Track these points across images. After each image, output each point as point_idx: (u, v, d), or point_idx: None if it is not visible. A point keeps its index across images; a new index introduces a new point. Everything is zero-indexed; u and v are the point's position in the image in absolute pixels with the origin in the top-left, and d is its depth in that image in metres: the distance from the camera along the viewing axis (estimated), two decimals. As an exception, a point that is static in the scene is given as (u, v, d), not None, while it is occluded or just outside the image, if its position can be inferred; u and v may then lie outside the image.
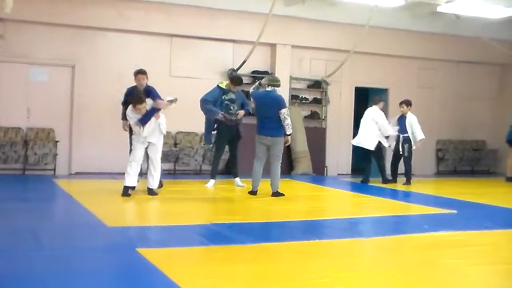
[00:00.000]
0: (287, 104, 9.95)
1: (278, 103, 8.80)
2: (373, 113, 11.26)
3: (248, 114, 9.91)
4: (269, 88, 8.89)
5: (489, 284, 4.64)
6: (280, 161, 8.92)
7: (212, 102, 9.67)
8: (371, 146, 11.20)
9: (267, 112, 8.76)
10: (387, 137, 11.33)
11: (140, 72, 8.85)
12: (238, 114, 9.73)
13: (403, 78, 14.31)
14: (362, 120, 11.41)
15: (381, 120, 11.20)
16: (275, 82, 9.01)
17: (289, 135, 8.93)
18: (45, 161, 11.15)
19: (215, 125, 9.76)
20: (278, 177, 8.85)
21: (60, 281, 4.11)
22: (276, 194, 8.78)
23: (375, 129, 11.17)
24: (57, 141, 11.35)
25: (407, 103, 11.53)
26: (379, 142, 11.24)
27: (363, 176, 11.47)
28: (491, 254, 5.58)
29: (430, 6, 12.27)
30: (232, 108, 9.76)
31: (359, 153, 11.95)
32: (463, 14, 12.50)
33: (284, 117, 8.73)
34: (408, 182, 11.41)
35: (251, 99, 9.32)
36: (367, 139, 11.20)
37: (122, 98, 9.03)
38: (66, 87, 11.58)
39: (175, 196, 8.78)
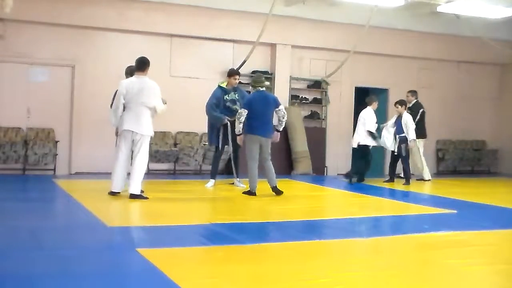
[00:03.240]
0: (285, 104, 9.96)
1: (276, 101, 8.98)
2: (364, 113, 11.35)
3: None
4: (261, 88, 8.96)
5: (489, 284, 4.64)
6: None
7: (216, 104, 9.69)
8: (355, 144, 11.34)
9: (265, 112, 8.82)
10: (374, 137, 11.36)
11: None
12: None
13: (403, 78, 14.29)
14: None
15: (368, 119, 11.24)
16: (264, 82, 9.15)
17: (279, 131, 9.07)
18: (45, 161, 11.15)
19: (220, 128, 9.77)
20: (274, 172, 8.93)
21: (60, 281, 4.11)
22: (277, 189, 8.82)
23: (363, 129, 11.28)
24: (57, 141, 11.36)
25: (402, 103, 11.58)
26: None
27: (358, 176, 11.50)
28: (491, 254, 5.57)
29: (430, 6, 12.28)
30: (234, 109, 9.74)
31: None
32: (463, 14, 12.51)
33: (284, 112, 8.90)
34: (407, 182, 11.41)
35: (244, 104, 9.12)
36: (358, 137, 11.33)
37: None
38: (66, 87, 11.59)
39: (175, 196, 8.78)
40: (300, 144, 12.93)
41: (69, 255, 4.88)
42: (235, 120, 9.63)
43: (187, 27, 12.14)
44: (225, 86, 9.86)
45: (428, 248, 5.73)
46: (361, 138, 11.21)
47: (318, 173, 13.24)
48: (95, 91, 11.43)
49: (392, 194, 10.27)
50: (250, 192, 8.86)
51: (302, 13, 12.73)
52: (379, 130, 11.45)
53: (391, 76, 14.22)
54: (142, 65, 8.11)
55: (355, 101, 14.03)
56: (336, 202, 9.76)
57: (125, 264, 4.76)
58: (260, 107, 8.81)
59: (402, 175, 11.84)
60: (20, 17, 10.70)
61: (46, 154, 11.11)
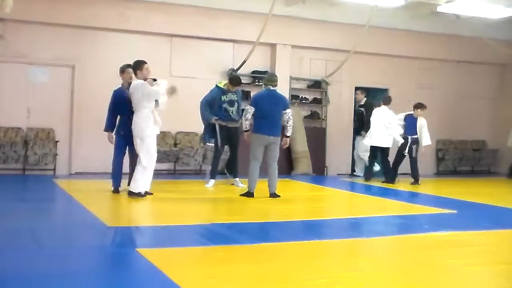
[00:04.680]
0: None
1: (285, 102, 8.82)
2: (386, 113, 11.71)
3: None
4: (272, 88, 8.76)
5: (489, 284, 4.64)
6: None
7: (211, 103, 9.69)
8: (389, 144, 11.63)
9: (273, 111, 8.62)
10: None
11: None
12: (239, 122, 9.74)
13: (403, 78, 14.30)
14: (377, 120, 11.66)
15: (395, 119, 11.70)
16: (276, 82, 8.87)
17: (288, 137, 8.88)
18: (45, 161, 11.15)
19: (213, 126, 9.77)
20: (277, 177, 8.77)
21: (60, 281, 4.11)
22: (275, 195, 8.71)
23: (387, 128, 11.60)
24: (57, 141, 11.36)
25: (419, 106, 11.69)
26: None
27: (387, 176, 11.67)
28: (491, 254, 5.58)
29: (430, 6, 12.28)
30: (231, 112, 9.75)
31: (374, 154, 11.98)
32: (463, 14, 12.50)
33: (289, 117, 8.67)
34: (416, 182, 11.49)
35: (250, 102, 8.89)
36: (386, 138, 11.59)
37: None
38: (66, 87, 11.58)
39: (175, 196, 8.78)
40: (300, 144, 12.92)
41: (69, 255, 4.89)
42: (226, 125, 9.66)
43: (187, 27, 12.13)
44: (223, 87, 9.86)
45: (428, 248, 5.73)
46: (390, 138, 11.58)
47: (318, 173, 13.23)
48: (95, 91, 11.41)
49: (392, 194, 10.27)
50: (248, 193, 8.71)
51: (302, 13, 12.73)
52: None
53: (391, 76, 14.21)
54: (134, 69, 8.25)
55: (355, 101, 14.02)
56: (336, 202, 9.76)
57: (125, 264, 4.76)
58: (268, 105, 8.61)
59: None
60: (20, 17, 10.69)
61: (46, 154, 11.11)
